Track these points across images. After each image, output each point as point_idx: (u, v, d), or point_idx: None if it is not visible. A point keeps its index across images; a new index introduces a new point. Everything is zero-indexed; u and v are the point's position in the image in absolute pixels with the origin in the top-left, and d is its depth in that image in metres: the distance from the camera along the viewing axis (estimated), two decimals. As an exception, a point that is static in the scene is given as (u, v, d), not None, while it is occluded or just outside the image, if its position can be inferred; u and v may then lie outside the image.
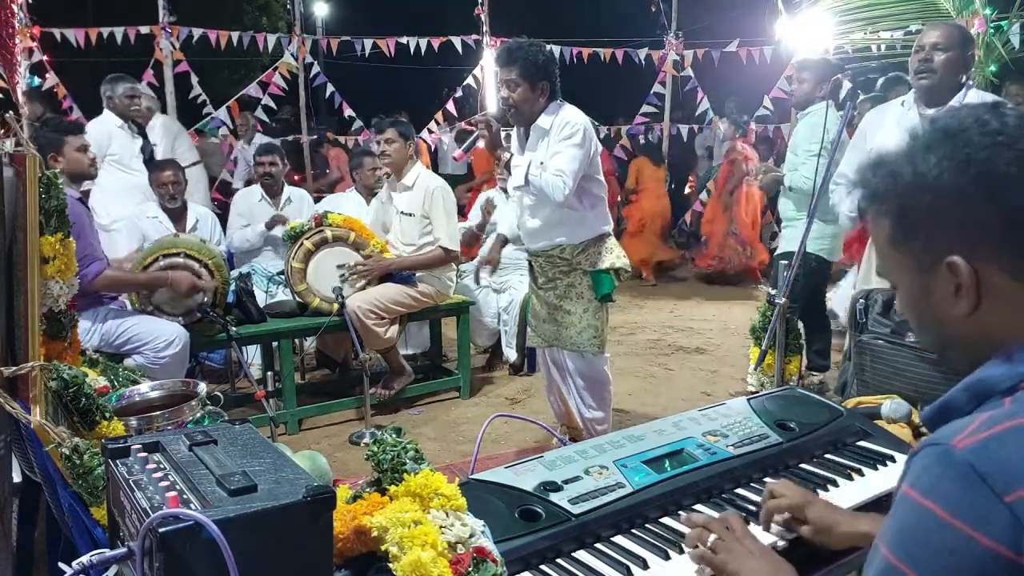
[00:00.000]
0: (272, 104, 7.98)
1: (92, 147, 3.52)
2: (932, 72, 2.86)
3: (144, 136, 5.44)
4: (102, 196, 5.01)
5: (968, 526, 0.73)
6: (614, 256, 3.20)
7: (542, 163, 3.03)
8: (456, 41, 7.99)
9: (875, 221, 0.94)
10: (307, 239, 4.05)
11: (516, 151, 3.21)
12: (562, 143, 3.01)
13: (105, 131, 5.08)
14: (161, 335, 3.41)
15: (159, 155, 6.29)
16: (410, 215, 4.23)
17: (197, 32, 7.29)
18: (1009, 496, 0.72)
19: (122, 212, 4.88)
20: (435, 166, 8.92)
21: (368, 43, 8.00)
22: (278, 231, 4.85)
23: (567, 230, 3.16)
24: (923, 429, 1.75)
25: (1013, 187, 0.83)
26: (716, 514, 1.39)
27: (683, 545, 1.27)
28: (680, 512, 1.41)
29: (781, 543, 1.31)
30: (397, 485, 1.23)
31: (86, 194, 3.49)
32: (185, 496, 0.99)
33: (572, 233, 3.17)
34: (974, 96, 2.88)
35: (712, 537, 1.21)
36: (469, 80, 8.25)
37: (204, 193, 6.13)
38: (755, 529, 1.31)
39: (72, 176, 3.29)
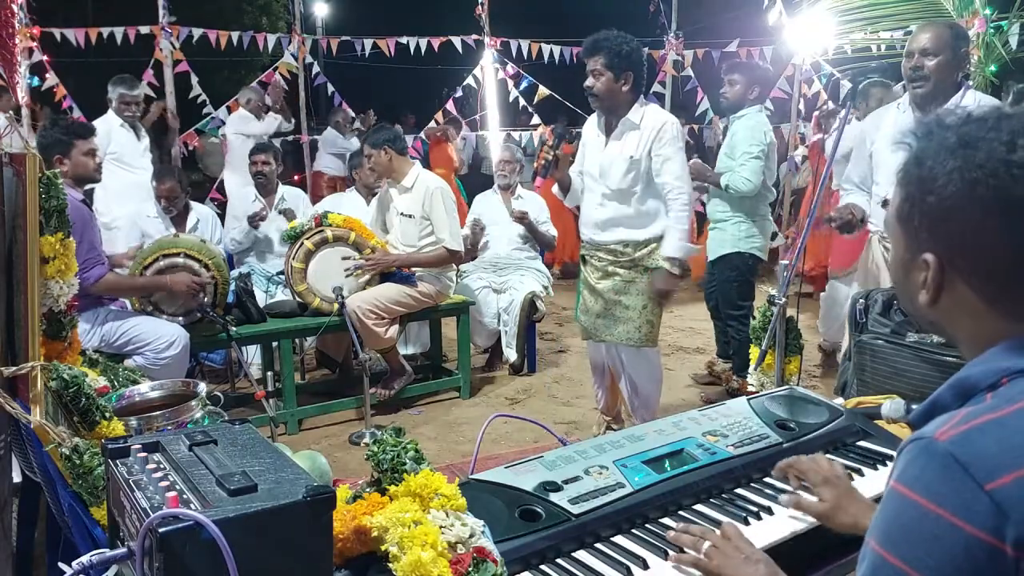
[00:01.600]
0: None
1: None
2: (925, 79, 2.81)
3: (149, 136, 5.44)
4: (103, 194, 5.01)
5: (951, 514, 0.76)
6: None
7: (630, 157, 3.14)
8: (456, 41, 7.98)
9: (897, 186, 0.97)
10: (307, 239, 4.05)
11: (596, 138, 3.30)
12: (669, 147, 3.13)
13: (105, 130, 5.08)
14: (162, 336, 3.41)
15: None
16: (410, 216, 4.23)
17: (197, 32, 7.28)
18: (990, 484, 0.75)
19: (123, 210, 4.88)
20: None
21: (368, 43, 7.98)
22: (273, 233, 4.84)
23: (636, 226, 3.24)
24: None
25: (1015, 214, 0.84)
26: (716, 514, 1.39)
27: (680, 550, 1.25)
28: (680, 512, 1.41)
29: (801, 526, 1.34)
30: (397, 485, 1.23)
31: (88, 195, 3.47)
32: (185, 496, 0.99)
33: (640, 230, 3.24)
34: (971, 98, 2.84)
35: (707, 544, 1.21)
36: (469, 80, 8.25)
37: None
38: (751, 533, 1.30)
39: (76, 179, 3.27)
